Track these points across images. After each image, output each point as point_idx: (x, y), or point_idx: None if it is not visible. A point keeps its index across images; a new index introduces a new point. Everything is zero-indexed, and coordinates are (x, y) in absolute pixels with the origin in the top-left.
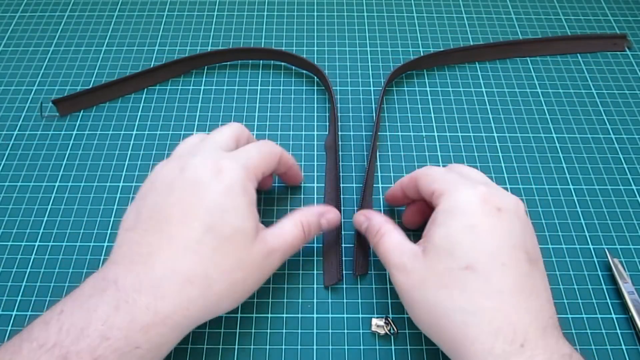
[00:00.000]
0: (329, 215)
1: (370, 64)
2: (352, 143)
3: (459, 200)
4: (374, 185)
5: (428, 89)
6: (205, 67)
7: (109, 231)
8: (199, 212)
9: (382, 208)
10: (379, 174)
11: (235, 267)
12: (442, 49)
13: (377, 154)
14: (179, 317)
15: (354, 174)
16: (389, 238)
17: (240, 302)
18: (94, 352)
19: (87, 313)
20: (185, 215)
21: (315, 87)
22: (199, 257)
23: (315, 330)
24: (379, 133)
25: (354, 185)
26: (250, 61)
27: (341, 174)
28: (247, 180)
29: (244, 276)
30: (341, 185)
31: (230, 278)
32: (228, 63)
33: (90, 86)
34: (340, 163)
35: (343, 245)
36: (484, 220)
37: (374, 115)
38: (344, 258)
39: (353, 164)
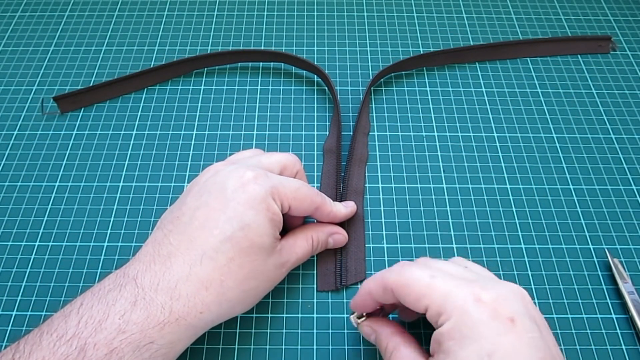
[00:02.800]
0: (336, 236)
1: (370, 64)
2: (349, 143)
3: (465, 321)
4: (367, 185)
5: (428, 89)
6: (206, 68)
7: (109, 231)
8: (220, 219)
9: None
10: (379, 174)
11: (250, 277)
12: (430, 50)
13: (369, 154)
14: (192, 318)
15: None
16: (400, 355)
17: (251, 307)
18: (110, 344)
19: (105, 306)
20: (207, 220)
21: (316, 88)
22: (215, 265)
23: (315, 330)
24: (375, 133)
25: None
26: (250, 63)
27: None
28: (271, 198)
29: (257, 284)
30: (341, 189)
31: (244, 286)
32: (228, 65)
33: (91, 85)
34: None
35: (340, 258)
36: (500, 342)
37: (358, 115)
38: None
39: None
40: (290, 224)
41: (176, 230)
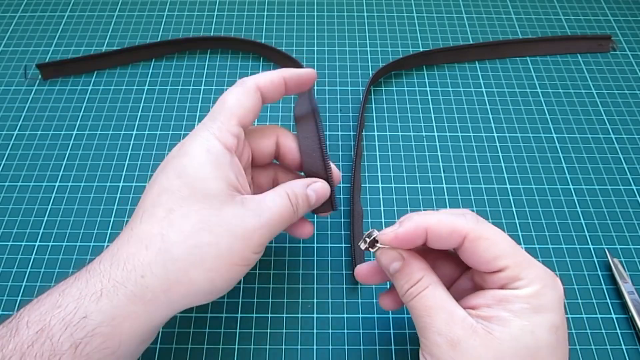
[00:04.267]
0: (315, 185)
1: (370, 63)
2: (354, 142)
3: (546, 293)
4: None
5: (428, 88)
6: (205, 68)
7: (109, 231)
8: (158, 175)
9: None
10: (379, 174)
11: (200, 228)
12: (428, 49)
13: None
14: (132, 285)
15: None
16: (434, 293)
17: (225, 281)
18: (42, 320)
19: (56, 287)
20: (150, 184)
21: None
22: (154, 220)
23: (315, 330)
24: (375, 133)
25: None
26: (240, 53)
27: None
28: (214, 138)
29: (213, 240)
30: (328, 151)
31: (193, 240)
32: (228, 64)
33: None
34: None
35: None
36: (562, 320)
37: (360, 115)
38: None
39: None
40: (298, 234)
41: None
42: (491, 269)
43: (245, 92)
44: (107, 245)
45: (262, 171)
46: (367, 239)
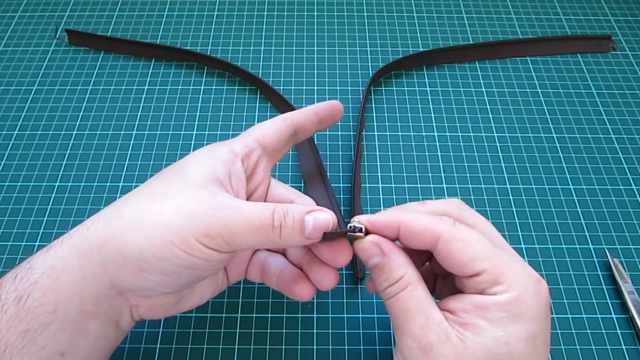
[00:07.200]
0: (318, 214)
1: (370, 63)
2: (354, 142)
3: (526, 300)
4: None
5: (428, 88)
6: (205, 69)
7: None
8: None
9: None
10: (379, 174)
11: (156, 197)
12: (428, 49)
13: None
14: (78, 236)
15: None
16: (412, 294)
17: (156, 257)
18: (1, 278)
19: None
20: None
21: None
22: (134, 191)
23: (315, 330)
24: (375, 133)
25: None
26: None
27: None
28: (224, 145)
29: (159, 209)
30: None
31: (143, 205)
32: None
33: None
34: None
35: None
36: (543, 328)
37: (360, 115)
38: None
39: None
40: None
41: None
42: (467, 273)
43: (272, 119)
44: None
45: None
46: (355, 226)
